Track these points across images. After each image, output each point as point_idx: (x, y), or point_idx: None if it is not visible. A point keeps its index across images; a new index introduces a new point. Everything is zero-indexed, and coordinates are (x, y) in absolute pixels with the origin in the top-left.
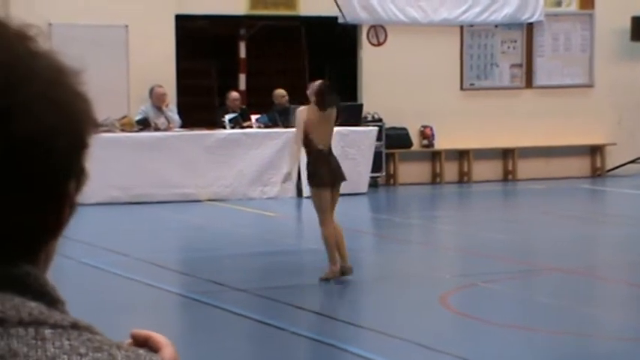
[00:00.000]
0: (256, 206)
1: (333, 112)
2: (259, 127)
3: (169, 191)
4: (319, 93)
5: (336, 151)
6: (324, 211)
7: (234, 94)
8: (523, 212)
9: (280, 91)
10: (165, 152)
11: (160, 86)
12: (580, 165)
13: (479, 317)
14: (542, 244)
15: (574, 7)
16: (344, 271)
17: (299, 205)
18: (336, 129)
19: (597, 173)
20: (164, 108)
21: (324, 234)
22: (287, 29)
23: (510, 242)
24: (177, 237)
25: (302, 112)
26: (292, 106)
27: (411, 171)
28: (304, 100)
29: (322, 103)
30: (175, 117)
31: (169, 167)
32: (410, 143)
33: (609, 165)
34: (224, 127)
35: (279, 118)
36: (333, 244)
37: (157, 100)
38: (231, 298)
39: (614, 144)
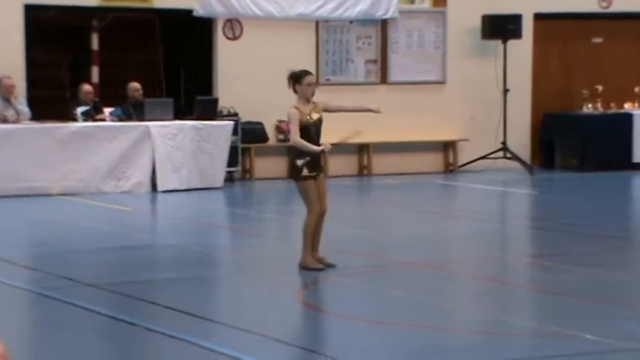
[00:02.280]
0: (110, 200)
1: None
2: (113, 121)
3: (19, 185)
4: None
5: (191, 145)
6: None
7: (87, 87)
8: (378, 207)
9: (134, 85)
10: (15, 145)
11: (9, 77)
12: (433, 160)
13: (333, 311)
14: (396, 239)
15: (427, 4)
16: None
17: (153, 200)
18: (190, 123)
19: (450, 169)
20: (13, 100)
21: None
22: (141, 21)
23: (365, 237)
24: (27, 232)
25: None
26: (146, 99)
27: (267, 165)
28: (159, 94)
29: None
30: (25, 109)
31: (19, 161)
32: (266, 138)
33: (462, 160)
34: (76, 120)
35: (134, 111)
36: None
37: (5, 91)
38: (82, 293)
39: (467, 140)
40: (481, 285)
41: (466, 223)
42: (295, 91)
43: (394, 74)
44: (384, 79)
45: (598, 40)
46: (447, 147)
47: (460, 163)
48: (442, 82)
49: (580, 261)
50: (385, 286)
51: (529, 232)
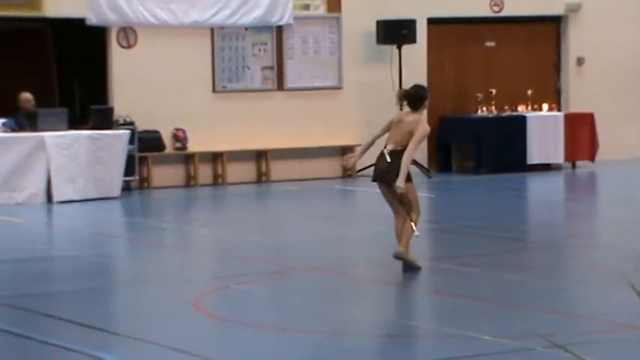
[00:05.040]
0: (3, 212)
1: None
2: (5, 132)
3: None
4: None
5: (87, 155)
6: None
7: None
8: (277, 213)
9: (26, 95)
10: None
11: None
12: (332, 166)
13: (233, 319)
14: (295, 245)
15: (322, 10)
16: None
17: (49, 211)
18: (85, 133)
19: (348, 174)
20: None
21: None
22: (32, 31)
23: (264, 243)
24: None
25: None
26: (39, 110)
27: (164, 174)
28: (52, 104)
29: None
30: None
31: None
32: (163, 146)
33: (359, 165)
34: None
35: (27, 122)
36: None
37: None
38: None
39: None
40: (380, 289)
41: (365, 228)
42: (416, 108)
43: (290, 80)
44: (280, 86)
45: (491, 43)
46: (345, 152)
47: (358, 168)
48: (338, 88)
49: (477, 263)
50: (285, 292)
51: (427, 235)
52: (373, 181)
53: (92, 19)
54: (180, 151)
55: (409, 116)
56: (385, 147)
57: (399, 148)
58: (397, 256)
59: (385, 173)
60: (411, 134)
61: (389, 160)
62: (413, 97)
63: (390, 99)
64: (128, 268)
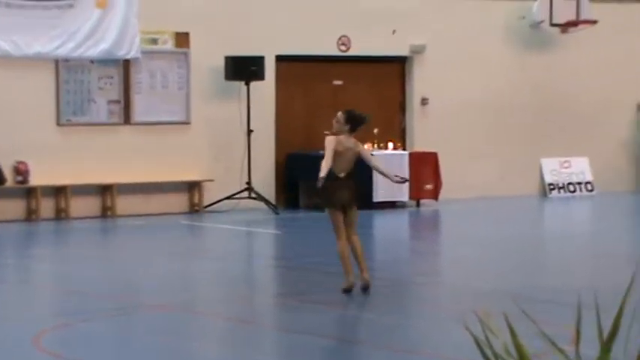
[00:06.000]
0: None
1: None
2: None
3: None
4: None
5: None
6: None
7: None
8: (122, 249)
9: None
10: None
11: None
12: (179, 201)
13: (75, 358)
14: (141, 281)
15: (170, 45)
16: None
17: None
18: None
19: (195, 209)
20: None
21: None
22: None
23: (109, 279)
24: None
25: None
26: None
27: (4, 208)
28: None
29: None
30: None
31: None
32: (3, 179)
33: (207, 201)
34: None
35: None
36: (345, 257)
37: None
38: None
39: (212, 180)
40: (226, 325)
41: (211, 264)
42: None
43: (138, 115)
44: (127, 120)
45: (339, 82)
46: (192, 187)
47: (205, 204)
48: (186, 123)
49: (323, 300)
50: (129, 330)
51: (274, 272)
52: (336, 208)
53: None
54: (22, 184)
55: (349, 141)
56: (339, 174)
57: (348, 172)
58: (366, 287)
59: (353, 198)
60: (355, 158)
61: (347, 185)
62: (359, 120)
63: (238, 135)
64: None
